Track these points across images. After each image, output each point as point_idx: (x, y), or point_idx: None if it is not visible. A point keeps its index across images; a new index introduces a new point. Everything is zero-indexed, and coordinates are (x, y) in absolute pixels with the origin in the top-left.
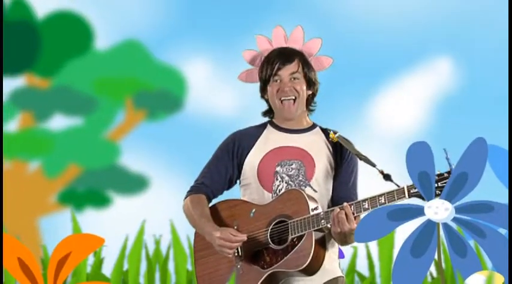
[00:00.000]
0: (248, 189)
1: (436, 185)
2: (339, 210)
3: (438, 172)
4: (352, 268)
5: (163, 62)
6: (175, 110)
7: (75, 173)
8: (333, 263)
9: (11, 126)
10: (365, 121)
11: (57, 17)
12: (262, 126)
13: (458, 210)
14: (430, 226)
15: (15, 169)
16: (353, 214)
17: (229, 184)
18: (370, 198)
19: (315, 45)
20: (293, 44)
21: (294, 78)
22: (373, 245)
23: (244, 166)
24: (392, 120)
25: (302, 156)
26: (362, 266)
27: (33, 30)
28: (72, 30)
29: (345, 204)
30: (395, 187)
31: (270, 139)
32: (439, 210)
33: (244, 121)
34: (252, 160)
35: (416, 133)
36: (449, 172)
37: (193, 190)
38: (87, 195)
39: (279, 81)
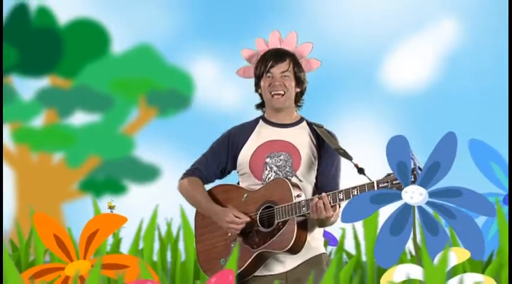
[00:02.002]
0: (243, 178)
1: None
2: (317, 199)
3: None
4: (340, 247)
5: (173, 64)
6: (184, 107)
7: (95, 164)
8: (318, 241)
9: (37, 122)
10: (375, 80)
11: (78, 24)
12: (255, 121)
13: (431, 194)
14: (407, 209)
15: (41, 161)
16: (330, 203)
17: (221, 174)
18: (345, 190)
19: (306, 49)
20: (287, 46)
21: (285, 76)
22: (359, 227)
23: (239, 158)
24: (400, 79)
25: (289, 149)
26: (349, 246)
27: (56, 35)
28: (91, 36)
29: (323, 194)
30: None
31: (262, 134)
32: (414, 195)
33: (246, 117)
34: (246, 153)
35: (422, 89)
36: (413, 169)
37: (188, 173)
38: (105, 183)
39: (271, 77)
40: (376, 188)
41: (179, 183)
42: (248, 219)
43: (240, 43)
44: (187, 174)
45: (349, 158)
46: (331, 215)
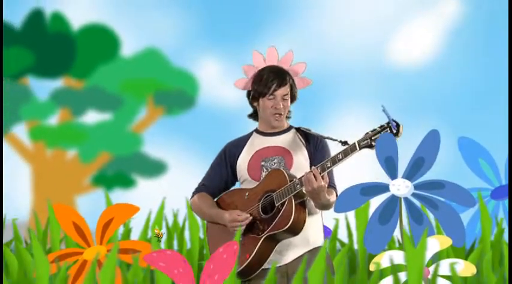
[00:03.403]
0: (245, 184)
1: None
2: (307, 172)
3: (379, 126)
4: (334, 237)
5: (179, 66)
6: (189, 106)
7: (106, 159)
8: (317, 236)
9: (52, 120)
10: (384, 55)
11: (90, 28)
12: (249, 135)
13: (416, 187)
14: (394, 200)
15: (56, 157)
16: (320, 173)
17: (225, 186)
18: (331, 158)
19: (300, 68)
20: (283, 64)
21: (285, 99)
22: (351, 217)
23: (237, 168)
24: (408, 52)
25: (281, 152)
26: (342, 235)
27: (70, 40)
28: (102, 40)
29: (313, 167)
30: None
31: (255, 143)
32: (401, 187)
33: (245, 116)
34: (243, 161)
35: (429, 62)
36: (388, 124)
37: (197, 190)
38: (115, 177)
39: (273, 98)
40: (358, 147)
41: (190, 201)
42: (248, 215)
43: (241, 45)
44: (195, 192)
45: (334, 140)
46: (322, 185)
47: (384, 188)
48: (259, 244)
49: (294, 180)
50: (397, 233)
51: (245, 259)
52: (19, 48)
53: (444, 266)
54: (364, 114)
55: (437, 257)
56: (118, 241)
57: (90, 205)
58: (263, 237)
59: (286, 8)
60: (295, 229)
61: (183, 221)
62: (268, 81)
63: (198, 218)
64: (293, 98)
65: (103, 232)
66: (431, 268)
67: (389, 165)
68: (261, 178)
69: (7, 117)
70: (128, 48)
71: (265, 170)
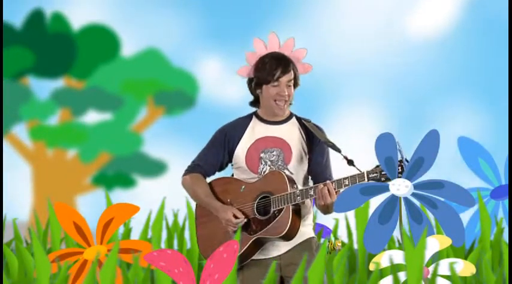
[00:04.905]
0: (239, 171)
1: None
2: (322, 186)
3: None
4: (334, 236)
5: (179, 66)
6: (189, 106)
7: (106, 159)
8: (307, 226)
9: (53, 120)
10: (401, 24)
11: (90, 29)
12: (249, 118)
13: (416, 186)
14: (394, 200)
15: (57, 156)
16: (334, 189)
17: (220, 167)
18: (337, 180)
19: (301, 54)
20: (284, 50)
21: (289, 85)
22: (351, 217)
23: (235, 153)
24: (426, 23)
25: (281, 144)
26: (342, 235)
27: (70, 40)
28: (103, 40)
29: (328, 181)
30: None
31: (256, 130)
32: (400, 187)
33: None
34: (242, 148)
35: (446, 31)
36: (401, 161)
37: (190, 169)
38: (116, 177)
39: (278, 85)
40: (366, 178)
41: (182, 178)
42: (245, 220)
43: (241, 46)
44: (189, 171)
45: (338, 150)
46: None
47: (384, 188)
48: (249, 244)
49: (296, 191)
50: (396, 233)
51: None
52: (19, 48)
53: (444, 266)
54: (370, 106)
55: (436, 257)
56: (118, 241)
57: (91, 205)
58: (254, 238)
59: (287, 6)
60: (289, 237)
61: (183, 221)
62: (272, 68)
63: None
64: (296, 85)
65: (103, 231)
66: (431, 268)
67: (389, 165)
68: (258, 170)
69: (7, 117)
70: (128, 48)
71: (263, 163)
